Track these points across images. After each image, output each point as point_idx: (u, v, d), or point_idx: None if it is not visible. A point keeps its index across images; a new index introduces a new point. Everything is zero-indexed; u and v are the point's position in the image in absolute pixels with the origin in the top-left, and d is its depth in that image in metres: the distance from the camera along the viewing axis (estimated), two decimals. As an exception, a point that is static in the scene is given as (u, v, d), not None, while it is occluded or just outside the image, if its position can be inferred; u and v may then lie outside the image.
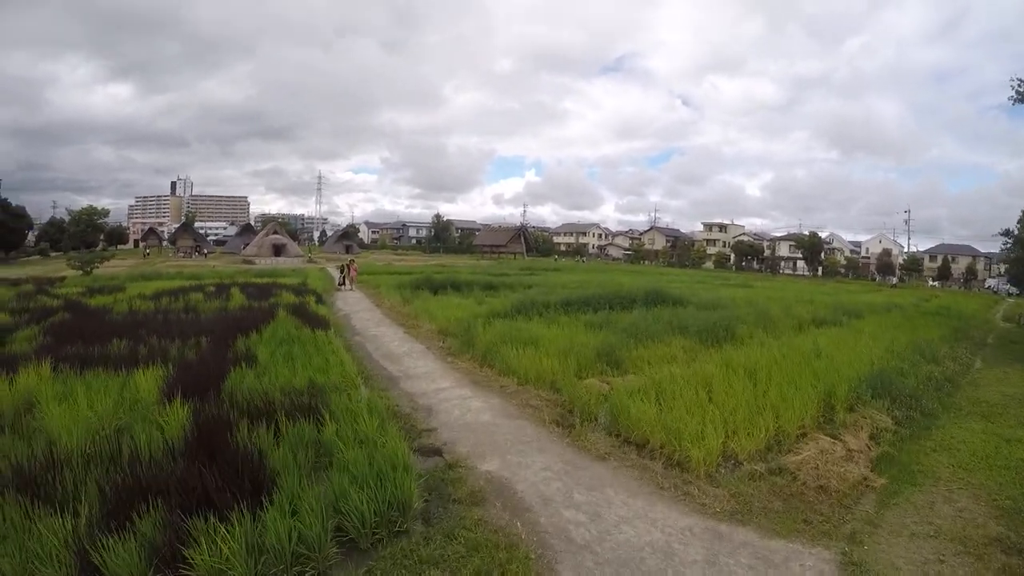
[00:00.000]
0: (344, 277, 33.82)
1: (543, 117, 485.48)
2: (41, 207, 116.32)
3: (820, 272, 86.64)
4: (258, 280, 30.86)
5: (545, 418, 8.15)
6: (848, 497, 6.06)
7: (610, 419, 7.88)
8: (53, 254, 63.41)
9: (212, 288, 25.31)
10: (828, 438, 7.43)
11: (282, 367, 10.02)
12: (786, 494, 6.06)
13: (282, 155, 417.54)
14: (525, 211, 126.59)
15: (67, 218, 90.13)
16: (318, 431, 6.89)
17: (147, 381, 8.93)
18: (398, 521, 5.06)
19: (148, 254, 79.80)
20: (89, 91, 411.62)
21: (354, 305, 23.14)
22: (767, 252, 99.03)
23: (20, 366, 9.27)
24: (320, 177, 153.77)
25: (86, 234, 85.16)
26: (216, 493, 5.35)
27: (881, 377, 9.92)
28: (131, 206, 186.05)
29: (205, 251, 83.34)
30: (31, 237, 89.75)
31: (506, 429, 7.78)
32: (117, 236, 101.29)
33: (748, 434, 7.10)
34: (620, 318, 15.40)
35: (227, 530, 4.65)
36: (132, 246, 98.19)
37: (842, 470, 6.51)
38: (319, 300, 21.86)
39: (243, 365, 10.19)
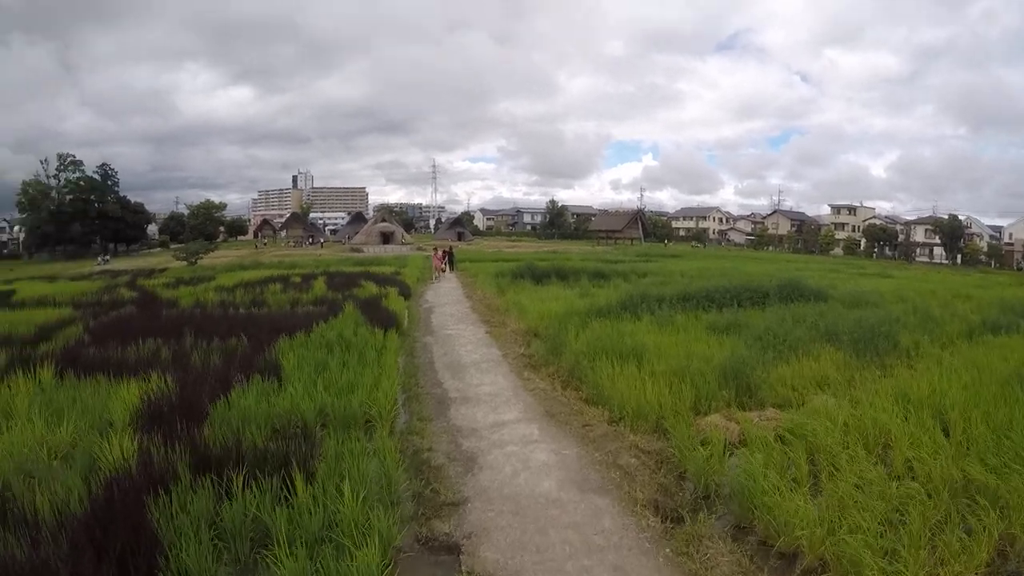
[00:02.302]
0: (444, 264, 32.38)
1: (658, 99, 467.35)
2: (171, 204, 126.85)
3: (959, 260, 76.89)
4: (351, 269, 30.09)
5: (638, 495, 5.23)
6: None
7: (739, 502, 4.92)
8: (173, 246, 67.90)
9: (298, 279, 24.71)
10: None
11: (300, 383, 7.97)
12: None
13: (401, 147, 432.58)
14: (642, 195, 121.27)
15: (186, 212, 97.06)
16: (274, 505, 4.52)
17: (132, 396, 7.48)
18: None
19: (266, 243, 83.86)
20: (211, 96, 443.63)
21: (444, 296, 21.16)
22: (901, 237, 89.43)
23: (20, 369, 8.55)
24: (435, 167, 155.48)
25: (204, 226, 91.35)
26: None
27: None
28: (254, 200, 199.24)
29: (321, 240, 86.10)
30: (154, 230, 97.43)
31: (572, 514, 4.96)
32: (237, 228, 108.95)
33: (962, 549, 3.98)
34: (751, 318, 12.04)
35: None
36: (252, 236, 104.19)
37: None
38: (404, 291, 20.17)
39: (260, 377, 8.35)
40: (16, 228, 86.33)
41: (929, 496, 4.62)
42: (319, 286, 21.25)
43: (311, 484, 4.85)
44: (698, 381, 7.54)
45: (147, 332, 11.70)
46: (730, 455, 5.74)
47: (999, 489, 4.70)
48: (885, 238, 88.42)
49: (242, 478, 4.84)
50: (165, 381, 8.06)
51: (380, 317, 13.28)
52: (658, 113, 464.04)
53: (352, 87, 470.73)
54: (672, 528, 4.69)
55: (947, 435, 5.85)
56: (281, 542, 3.91)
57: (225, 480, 4.90)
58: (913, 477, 5.09)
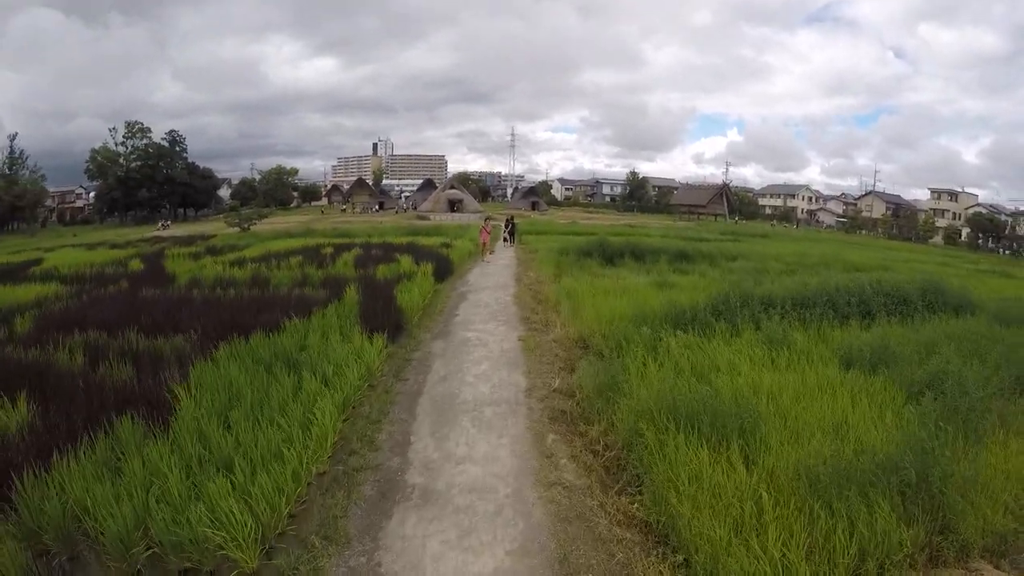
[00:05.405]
0: (504, 235, 30.28)
1: (745, 72, 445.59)
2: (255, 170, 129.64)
3: (1078, 257, 66.63)
4: (398, 240, 27.52)
5: None
6: None
7: None
8: (244, 210, 68.20)
9: (330, 250, 22.39)
10: None
11: (170, 443, 4.98)
12: None
13: (484, 117, 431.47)
14: (727, 170, 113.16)
15: (258, 177, 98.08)
16: None
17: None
18: None
19: (344, 209, 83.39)
20: (296, 66, 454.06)
21: (488, 278, 17.86)
22: (1008, 229, 79.35)
23: None
24: (513, 135, 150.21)
25: (275, 191, 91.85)
26: None
27: None
28: (334, 166, 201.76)
29: (398, 207, 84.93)
30: (227, 194, 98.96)
31: None
32: (311, 193, 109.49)
33: None
34: (900, 343, 8.00)
35: None
36: (326, 201, 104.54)
37: None
38: (442, 270, 17.49)
39: (144, 414, 5.76)
40: (91, 194, 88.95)
41: None
42: (344, 261, 18.68)
43: None
44: (854, 491, 3.92)
45: (96, 323, 10.06)
46: None
47: None
48: (992, 229, 78.87)
49: None
50: (32, 408, 6.10)
51: (379, 312, 10.31)
52: (745, 86, 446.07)
53: (437, 58, 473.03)
54: None
55: None
56: None
57: None
58: None
